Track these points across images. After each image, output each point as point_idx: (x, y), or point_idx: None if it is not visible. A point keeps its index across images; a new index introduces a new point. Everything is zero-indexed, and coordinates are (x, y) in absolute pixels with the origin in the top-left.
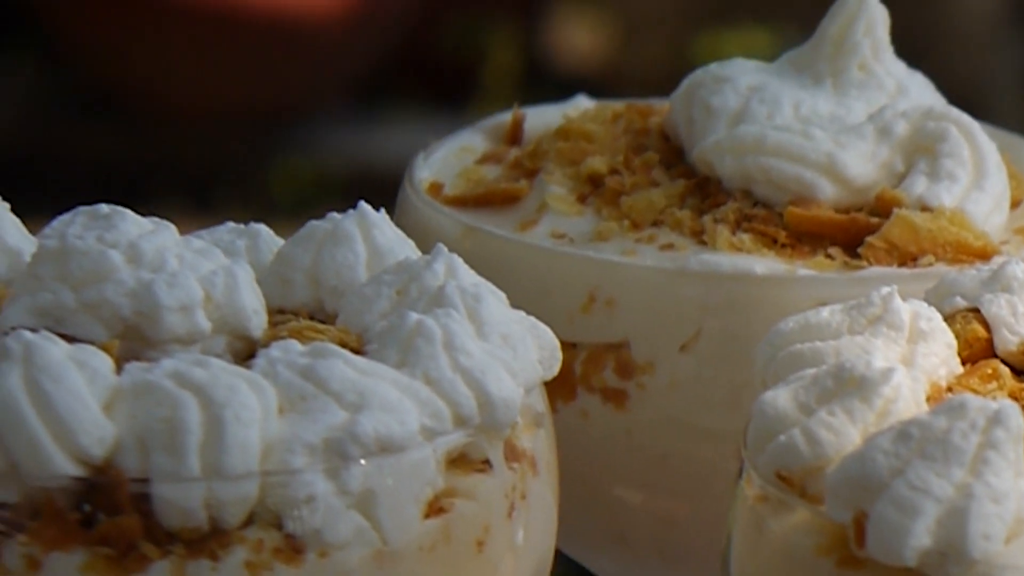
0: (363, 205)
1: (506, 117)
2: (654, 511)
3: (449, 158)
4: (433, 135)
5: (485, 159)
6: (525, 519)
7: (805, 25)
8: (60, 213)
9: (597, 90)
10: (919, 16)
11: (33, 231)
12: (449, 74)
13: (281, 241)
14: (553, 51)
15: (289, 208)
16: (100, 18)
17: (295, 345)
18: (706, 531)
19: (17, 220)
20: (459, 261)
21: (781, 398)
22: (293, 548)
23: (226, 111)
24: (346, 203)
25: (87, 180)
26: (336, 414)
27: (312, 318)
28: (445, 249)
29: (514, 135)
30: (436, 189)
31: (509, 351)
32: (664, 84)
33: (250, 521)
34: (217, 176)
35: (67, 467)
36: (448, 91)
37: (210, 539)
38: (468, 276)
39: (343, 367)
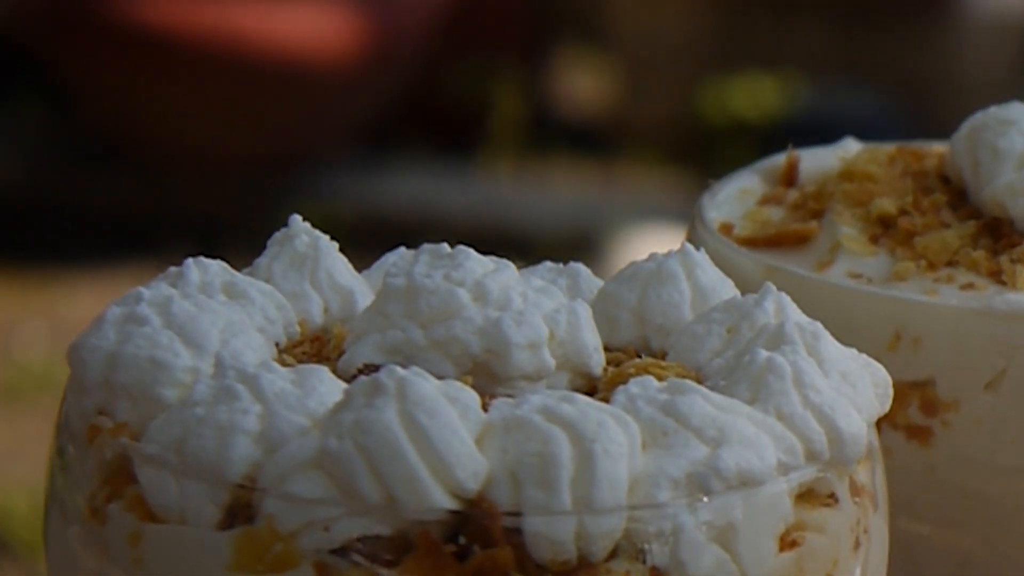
0: (687, 245)
1: (779, 160)
2: (951, 549)
3: (732, 200)
4: (440, 181)
5: (766, 200)
6: (866, 553)
7: (811, 72)
8: (68, 260)
9: (603, 137)
10: (930, 61)
11: (43, 278)
12: (455, 121)
13: (599, 281)
14: (558, 99)
15: None
16: (108, 67)
17: (652, 382)
18: (1003, 571)
19: (345, 259)
20: (787, 299)
21: None
22: None
23: (234, 158)
24: (355, 249)
25: (95, 227)
26: (698, 449)
27: (638, 355)
28: (774, 288)
29: (790, 177)
30: (727, 230)
31: (850, 387)
32: (670, 130)
33: (615, 554)
34: (225, 222)
35: (443, 500)
36: (454, 138)
37: (578, 571)
38: (798, 314)
39: (702, 403)
